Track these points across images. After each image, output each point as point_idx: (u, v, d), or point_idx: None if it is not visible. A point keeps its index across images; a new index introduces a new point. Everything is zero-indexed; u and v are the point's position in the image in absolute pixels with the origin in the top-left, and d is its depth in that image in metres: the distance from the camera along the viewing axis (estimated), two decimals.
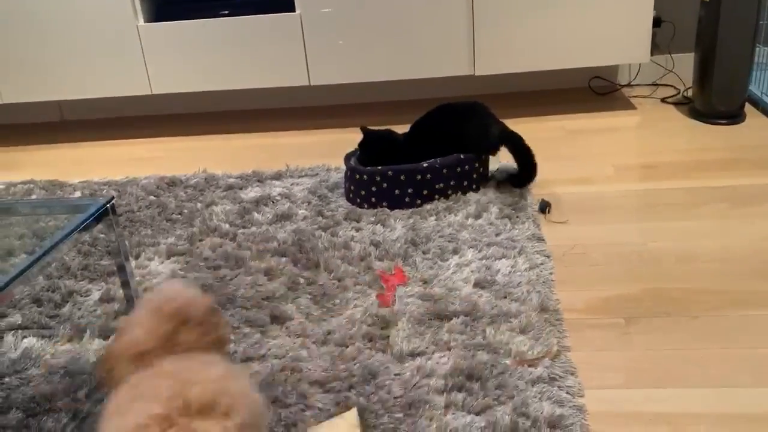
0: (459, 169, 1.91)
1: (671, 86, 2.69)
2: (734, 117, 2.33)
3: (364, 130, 1.98)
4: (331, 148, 2.37)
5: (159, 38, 2.52)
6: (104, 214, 1.35)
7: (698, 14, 2.31)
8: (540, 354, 1.28)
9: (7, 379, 1.34)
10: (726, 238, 1.65)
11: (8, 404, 1.27)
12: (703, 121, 2.36)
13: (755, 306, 1.40)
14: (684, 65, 2.66)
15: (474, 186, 1.95)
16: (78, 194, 2.20)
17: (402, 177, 1.88)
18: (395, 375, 1.27)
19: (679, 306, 1.42)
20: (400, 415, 1.18)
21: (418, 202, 1.90)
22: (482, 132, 1.92)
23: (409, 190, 1.89)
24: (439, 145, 1.93)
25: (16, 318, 1.55)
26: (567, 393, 1.19)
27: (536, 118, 2.53)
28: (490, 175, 2.02)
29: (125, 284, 1.42)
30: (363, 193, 1.92)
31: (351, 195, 1.96)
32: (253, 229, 1.86)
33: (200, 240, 1.83)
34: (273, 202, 2.01)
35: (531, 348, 1.30)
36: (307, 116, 2.80)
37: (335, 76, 2.52)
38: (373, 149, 1.96)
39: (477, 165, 1.94)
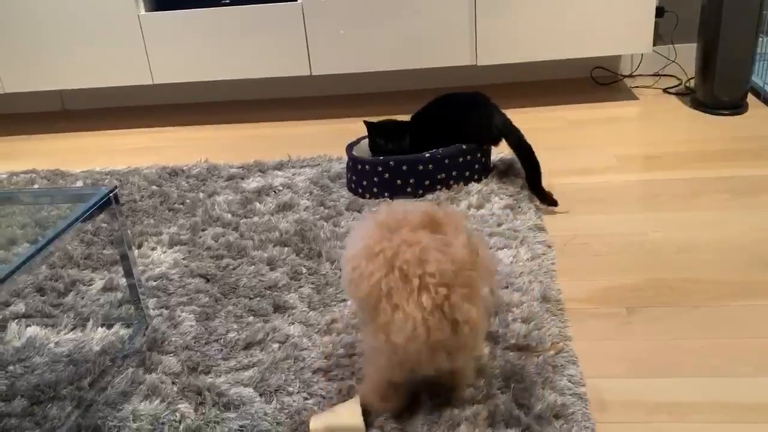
0: (461, 160, 1.91)
1: (673, 76, 2.69)
2: (736, 107, 2.33)
3: (373, 123, 1.97)
4: (333, 138, 2.37)
5: (160, 27, 2.52)
6: (107, 203, 1.35)
7: (701, 4, 2.30)
8: (543, 348, 1.29)
9: (11, 368, 1.35)
10: (727, 228, 1.65)
11: (13, 392, 1.28)
12: (705, 112, 2.36)
13: (756, 296, 1.40)
14: (686, 55, 2.65)
15: (476, 176, 1.95)
16: (80, 184, 2.20)
17: (404, 167, 1.88)
18: None
19: (680, 296, 1.42)
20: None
21: (420, 192, 1.90)
22: (484, 123, 1.92)
23: (411, 181, 1.89)
24: (441, 135, 1.93)
25: (20, 307, 1.56)
26: (569, 382, 1.20)
27: (538, 109, 2.53)
28: (492, 165, 2.02)
29: (128, 273, 1.42)
30: (365, 183, 1.92)
31: (353, 185, 1.96)
32: (255, 219, 1.86)
33: (202, 230, 1.83)
34: (275, 192, 2.01)
35: (532, 337, 1.31)
36: (308, 106, 2.80)
37: (337, 65, 2.52)
38: (401, 136, 1.95)
39: (479, 155, 1.94)
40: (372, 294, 1.03)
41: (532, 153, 1.86)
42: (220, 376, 1.29)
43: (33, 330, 1.47)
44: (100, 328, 1.46)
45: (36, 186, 2.22)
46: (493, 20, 2.40)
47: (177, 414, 1.20)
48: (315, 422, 1.13)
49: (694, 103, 2.43)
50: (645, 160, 2.06)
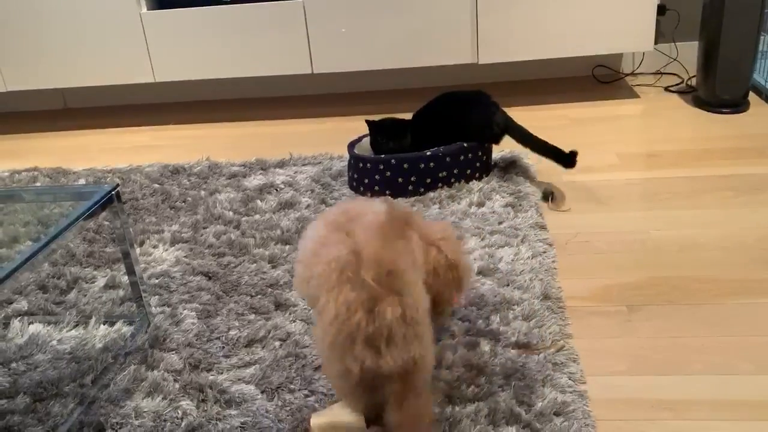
0: (462, 158, 1.91)
1: (675, 75, 2.69)
2: (738, 106, 2.33)
3: (375, 121, 1.96)
4: (334, 137, 2.37)
5: (162, 26, 2.52)
6: (109, 201, 1.35)
7: (703, 2, 2.30)
8: (544, 346, 1.29)
9: (14, 365, 1.36)
10: (729, 226, 1.65)
11: (15, 389, 1.29)
12: (707, 110, 2.36)
13: (757, 294, 1.40)
14: (688, 54, 2.65)
15: (477, 174, 1.95)
16: (82, 182, 2.21)
17: (405, 165, 1.88)
18: None
19: (682, 294, 1.42)
20: None
21: (422, 190, 1.90)
22: (485, 121, 1.92)
23: (412, 179, 1.89)
24: (442, 133, 1.93)
25: (23, 304, 1.56)
26: (569, 379, 1.20)
27: (540, 107, 2.53)
28: (493, 163, 2.03)
29: (130, 271, 1.42)
30: (366, 181, 1.92)
31: (354, 183, 1.96)
32: (257, 216, 1.87)
33: (204, 227, 1.84)
34: (276, 190, 2.01)
35: (533, 334, 1.31)
36: (310, 104, 2.80)
37: (338, 64, 2.52)
38: (403, 135, 1.95)
39: (480, 153, 1.94)
40: (316, 292, 1.07)
41: (541, 140, 1.88)
42: (221, 373, 1.29)
43: (35, 327, 1.47)
44: (102, 326, 1.47)
45: (38, 184, 2.22)
46: (495, 18, 2.40)
47: (179, 411, 1.21)
48: (316, 419, 1.14)
49: (696, 101, 2.43)
50: (646, 158, 2.06)
